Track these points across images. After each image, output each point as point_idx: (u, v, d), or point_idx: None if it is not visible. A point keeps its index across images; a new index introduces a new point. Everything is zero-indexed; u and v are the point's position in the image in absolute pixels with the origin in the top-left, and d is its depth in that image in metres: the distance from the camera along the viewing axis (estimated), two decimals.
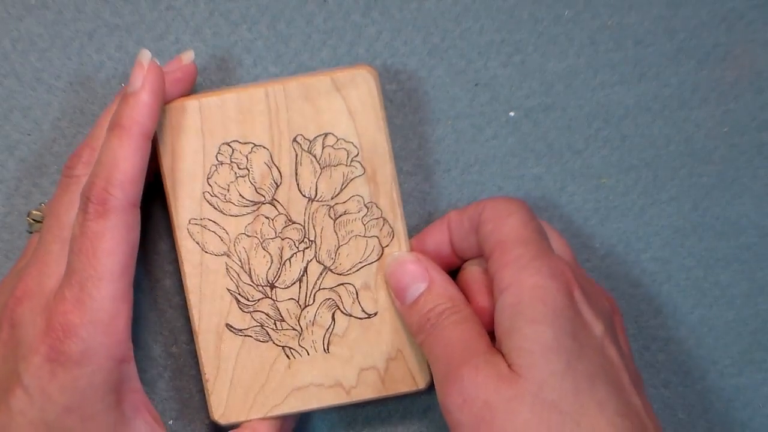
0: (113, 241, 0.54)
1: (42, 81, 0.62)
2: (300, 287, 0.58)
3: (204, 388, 0.59)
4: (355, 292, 0.59)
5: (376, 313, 0.59)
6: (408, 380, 0.59)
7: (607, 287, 0.66)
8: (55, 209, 0.57)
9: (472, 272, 0.59)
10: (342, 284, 0.58)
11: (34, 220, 0.62)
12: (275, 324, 0.58)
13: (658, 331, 0.66)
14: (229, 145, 0.57)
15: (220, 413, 0.58)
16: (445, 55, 0.65)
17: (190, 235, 0.58)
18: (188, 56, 0.59)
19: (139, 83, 0.55)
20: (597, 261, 0.66)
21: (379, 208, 0.58)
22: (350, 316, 0.58)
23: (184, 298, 0.60)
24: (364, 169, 0.58)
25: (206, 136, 0.57)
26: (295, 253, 0.58)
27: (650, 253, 0.66)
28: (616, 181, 0.66)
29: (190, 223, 0.58)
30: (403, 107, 0.64)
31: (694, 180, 0.66)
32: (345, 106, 0.57)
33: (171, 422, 0.63)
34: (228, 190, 0.57)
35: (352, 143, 0.58)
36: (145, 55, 0.56)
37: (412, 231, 0.64)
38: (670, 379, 0.66)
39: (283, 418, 0.59)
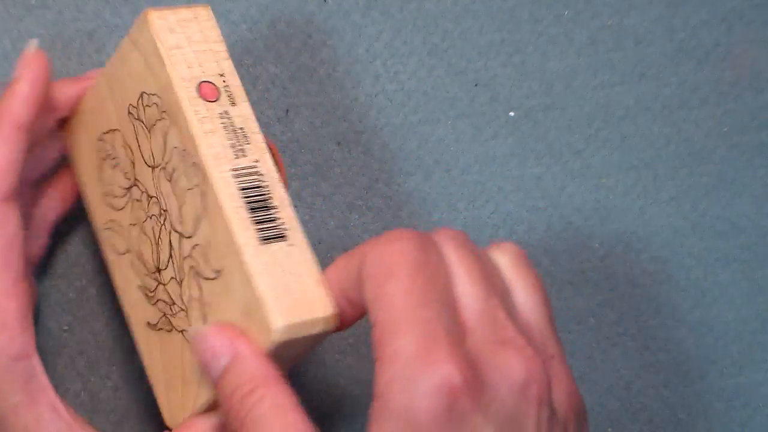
0: None
1: None
2: (173, 263, 0.52)
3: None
4: (203, 252, 0.51)
5: (218, 272, 0.50)
6: (265, 328, 0.48)
7: (606, 287, 0.66)
8: None
9: None
10: (193, 247, 0.51)
11: None
12: (171, 309, 0.53)
13: (658, 331, 0.66)
14: (100, 139, 0.55)
15: (168, 418, 0.54)
16: (445, 55, 0.65)
17: (108, 240, 0.55)
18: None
19: (19, 71, 0.54)
20: (597, 261, 0.66)
21: (186, 150, 0.51)
22: (208, 279, 0.51)
23: None
24: (168, 116, 0.51)
25: (89, 135, 0.56)
26: (161, 227, 0.53)
27: (650, 253, 0.66)
28: (616, 181, 0.66)
29: (103, 229, 0.56)
30: (403, 107, 0.64)
31: (694, 180, 0.66)
32: (142, 59, 0.52)
33: None
34: (113, 185, 0.55)
35: (156, 94, 0.52)
36: (31, 44, 0.54)
37: None
38: (670, 379, 0.66)
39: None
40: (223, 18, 0.63)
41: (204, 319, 0.50)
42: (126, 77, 0.53)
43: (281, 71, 0.64)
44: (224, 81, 0.51)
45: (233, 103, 0.51)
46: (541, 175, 0.65)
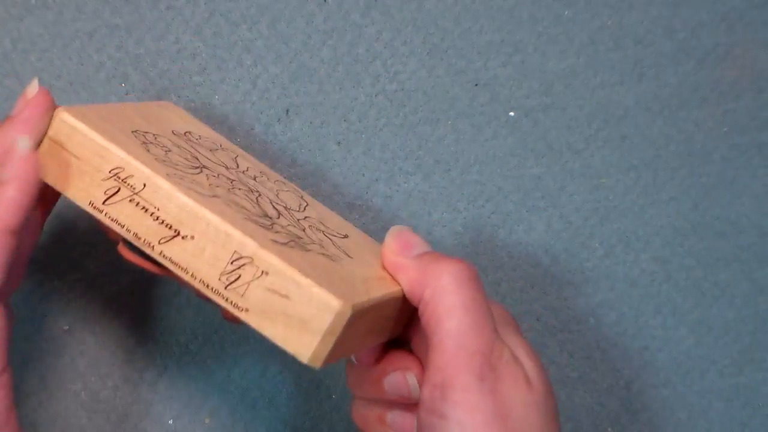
0: None
1: (42, 81, 0.62)
2: (285, 218, 0.57)
3: (300, 296, 0.52)
4: (319, 221, 0.58)
5: (347, 235, 0.59)
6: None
7: (606, 287, 0.66)
8: None
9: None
10: (305, 217, 0.58)
11: None
12: (298, 240, 0.55)
13: (657, 331, 0.66)
14: (134, 131, 0.56)
15: (343, 296, 0.52)
16: (445, 55, 0.65)
17: (180, 179, 0.55)
18: (33, 88, 0.54)
19: (8, 173, 0.51)
20: (597, 261, 0.66)
21: (265, 173, 0.60)
22: (334, 236, 0.58)
23: (184, 299, 0.60)
24: (230, 151, 0.60)
25: (116, 126, 0.56)
26: (257, 197, 0.57)
27: (650, 253, 0.66)
28: (616, 181, 0.66)
29: (167, 176, 0.54)
30: (403, 107, 0.64)
31: (694, 180, 0.66)
32: (178, 117, 0.61)
33: (171, 422, 0.64)
34: (169, 159, 0.56)
35: (209, 139, 0.60)
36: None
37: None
38: (670, 379, 0.66)
39: None
40: (223, 18, 0.63)
41: (346, 253, 0.58)
42: (163, 117, 0.60)
43: (281, 71, 0.64)
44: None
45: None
46: (541, 175, 0.65)
